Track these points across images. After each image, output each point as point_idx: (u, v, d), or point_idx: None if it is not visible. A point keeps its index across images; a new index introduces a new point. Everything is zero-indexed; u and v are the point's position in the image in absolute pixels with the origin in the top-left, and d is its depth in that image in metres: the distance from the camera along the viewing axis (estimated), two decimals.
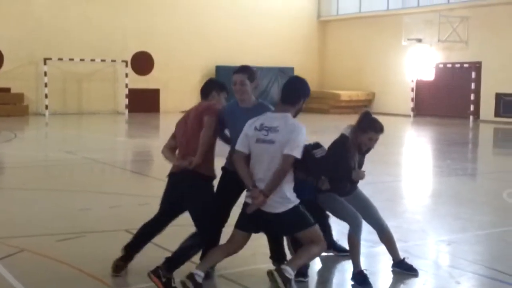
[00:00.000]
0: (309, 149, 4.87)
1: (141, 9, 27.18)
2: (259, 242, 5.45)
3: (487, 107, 25.01)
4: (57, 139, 17.76)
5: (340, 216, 5.31)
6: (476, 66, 25.24)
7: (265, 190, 4.59)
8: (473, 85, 25.23)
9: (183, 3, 28.05)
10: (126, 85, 26.58)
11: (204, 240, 5.01)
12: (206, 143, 5.01)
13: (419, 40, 26.36)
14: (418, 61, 27.21)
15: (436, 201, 9.23)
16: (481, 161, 15.17)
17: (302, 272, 5.12)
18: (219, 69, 28.46)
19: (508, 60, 24.08)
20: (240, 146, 4.78)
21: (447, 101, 26.24)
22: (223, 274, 5.32)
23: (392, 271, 5.46)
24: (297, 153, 4.60)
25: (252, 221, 4.77)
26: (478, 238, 6.92)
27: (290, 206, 4.67)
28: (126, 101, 26.61)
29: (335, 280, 5.56)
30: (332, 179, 5.17)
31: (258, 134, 4.68)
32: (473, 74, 25.20)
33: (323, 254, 5.64)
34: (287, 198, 4.66)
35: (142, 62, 26.98)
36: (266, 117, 4.74)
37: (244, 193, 4.90)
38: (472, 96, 25.26)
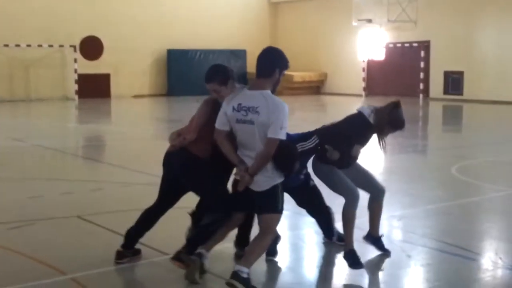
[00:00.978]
0: (295, 140, 4.80)
1: None
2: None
3: (436, 85, 25.51)
4: (4, 127, 17.33)
5: (337, 189, 5.20)
6: (425, 45, 25.65)
7: (250, 171, 4.48)
8: (422, 64, 25.66)
9: None
10: (75, 70, 26.05)
11: (219, 214, 4.82)
12: (200, 121, 4.85)
13: (369, 21, 26.62)
14: (369, 41, 27.49)
15: (387, 178, 9.38)
16: (431, 138, 15.50)
17: (270, 251, 5.12)
18: (170, 52, 28.18)
19: (456, 38, 24.56)
20: (219, 124, 4.61)
21: (398, 80, 26.63)
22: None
23: (363, 242, 5.43)
24: (282, 135, 4.43)
25: (240, 199, 4.71)
26: (427, 212, 7.08)
27: (273, 183, 4.55)
28: (76, 86, 26.09)
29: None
30: (340, 152, 5.08)
31: (237, 114, 4.50)
32: (422, 53, 25.62)
33: (324, 241, 5.68)
34: (271, 176, 4.55)
35: (91, 47, 26.44)
36: (244, 96, 4.54)
37: None
38: (422, 75, 25.71)
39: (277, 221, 4.65)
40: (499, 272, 5.07)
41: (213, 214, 4.83)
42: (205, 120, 4.83)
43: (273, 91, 4.57)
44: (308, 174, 5.42)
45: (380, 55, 27.24)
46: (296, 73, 28.79)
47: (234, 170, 4.71)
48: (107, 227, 6.26)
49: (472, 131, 16.66)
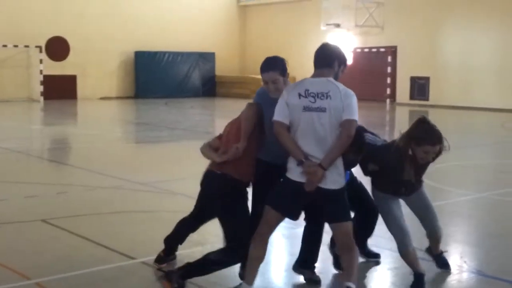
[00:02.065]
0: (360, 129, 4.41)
1: None
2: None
3: (403, 90, 25.81)
4: None
5: (386, 223, 4.83)
6: (392, 51, 25.95)
7: (323, 163, 4.02)
8: (389, 69, 25.95)
9: None
10: (41, 72, 25.67)
11: (233, 257, 4.44)
12: (248, 126, 4.35)
13: (337, 25, 26.81)
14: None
15: None
16: None
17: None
18: (138, 54, 27.98)
19: (422, 44, 24.90)
20: (280, 116, 4.12)
21: (365, 85, 26.84)
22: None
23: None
24: (357, 118, 4.11)
25: (296, 200, 4.19)
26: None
27: (343, 183, 4.18)
28: (41, 88, 25.71)
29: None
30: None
31: (304, 101, 4.08)
32: (389, 58, 25.90)
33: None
34: (341, 174, 4.16)
35: (57, 48, 26.08)
36: (309, 83, 4.20)
37: None
38: (389, 80, 25.99)
39: (351, 228, 4.22)
40: (464, 276, 5.13)
41: (226, 254, 4.43)
42: (252, 126, 4.39)
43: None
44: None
45: (348, 60, 27.44)
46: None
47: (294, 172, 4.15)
48: (72, 231, 6.16)
49: None
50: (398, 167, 4.58)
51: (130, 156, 12.29)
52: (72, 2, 26.63)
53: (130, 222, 6.69)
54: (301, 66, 29.51)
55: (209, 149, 4.59)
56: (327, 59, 4.34)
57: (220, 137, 4.66)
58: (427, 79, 24.93)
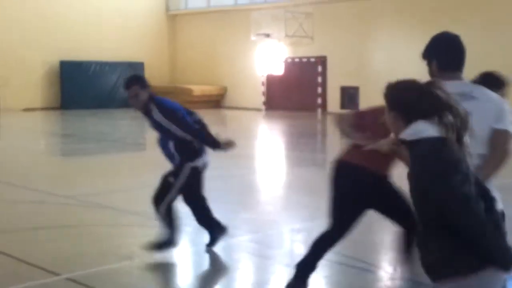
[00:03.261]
0: None
1: None
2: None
3: (333, 100, 26.18)
4: None
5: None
6: (322, 61, 26.31)
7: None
8: (319, 79, 26.28)
9: None
10: None
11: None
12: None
13: (268, 35, 26.96)
14: (268, 56, 27.85)
15: (287, 191, 9.42)
16: (329, 151, 15.79)
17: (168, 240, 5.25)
18: (63, 64, 27.23)
19: (351, 54, 25.36)
20: None
21: (297, 94, 27.10)
22: (70, 277, 5.00)
23: None
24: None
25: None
26: (327, 224, 7.11)
27: None
28: None
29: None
30: None
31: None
32: (319, 68, 26.24)
33: None
34: None
35: None
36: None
37: None
38: (319, 90, 26.31)
39: None
40: (396, 283, 5.14)
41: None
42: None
43: None
44: None
45: (279, 70, 27.65)
46: (196, 87, 28.68)
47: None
48: None
49: None
50: None
51: (55, 169, 11.86)
52: None
53: (55, 237, 6.39)
54: (232, 76, 29.61)
55: (352, 129, 4.07)
56: (463, 60, 3.43)
57: (360, 115, 4.26)
58: (356, 88, 25.39)
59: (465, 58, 3.46)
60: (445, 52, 3.45)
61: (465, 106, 2.60)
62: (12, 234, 6.46)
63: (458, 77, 3.40)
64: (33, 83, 26.65)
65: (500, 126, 3.16)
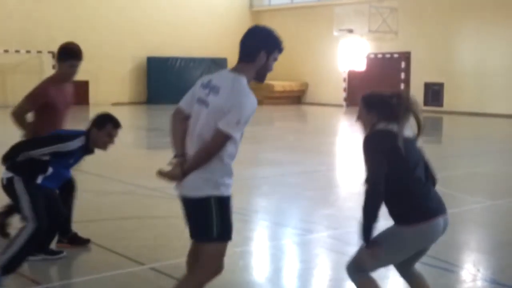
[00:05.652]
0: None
1: None
2: None
3: (417, 96, 25.41)
4: None
5: None
6: (406, 56, 25.83)
7: (185, 167, 3.51)
8: (403, 75, 25.82)
9: None
10: None
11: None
12: None
13: (350, 31, 26.73)
14: (350, 52, 27.61)
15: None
16: None
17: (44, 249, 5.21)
18: (150, 60, 28.04)
19: (436, 50, 24.76)
20: (183, 102, 3.73)
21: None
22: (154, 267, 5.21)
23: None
24: (234, 132, 3.44)
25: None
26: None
27: (210, 193, 3.49)
28: None
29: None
30: None
31: (201, 92, 3.61)
32: (403, 64, 25.78)
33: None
34: (211, 180, 3.49)
35: None
36: (219, 74, 3.69)
37: None
38: (402, 86, 25.86)
39: (222, 251, 3.59)
40: (478, 284, 5.04)
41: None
42: None
43: (259, 78, 3.72)
44: None
45: (361, 66, 27.35)
46: (277, 83, 28.81)
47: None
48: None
49: (452, 142, 16.74)
50: None
51: (142, 161, 12.28)
52: (85, 8, 26.76)
53: (141, 228, 6.65)
54: (314, 72, 29.56)
55: None
56: (248, 51, 3.63)
57: None
58: (441, 85, 24.77)
59: (250, 48, 3.68)
60: None
61: (210, 98, 3.54)
62: (102, 223, 6.78)
63: (239, 70, 3.67)
64: (121, 79, 27.62)
65: (220, 125, 3.46)
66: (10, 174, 4.85)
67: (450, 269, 5.35)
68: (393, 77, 26.19)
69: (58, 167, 4.94)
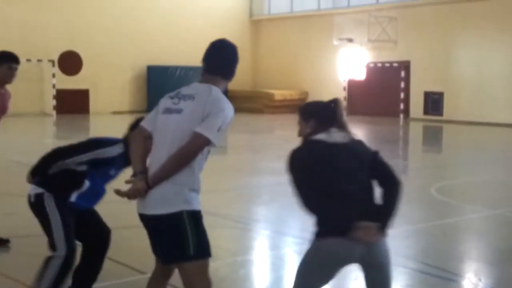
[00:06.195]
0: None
1: (67, 6, 26.46)
2: None
3: (416, 105, 25.68)
4: None
5: None
6: (405, 66, 25.87)
7: (151, 177, 3.27)
8: (402, 84, 25.85)
9: (111, 1, 27.53)
10: (54, 86, 25.81)
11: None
12: None
13: (350, 40, 26.80)
14: (350, 61, 27.65)
15: None
16: (411, 158, 15.53)
17: None
18: (150, 68, 28.10)
19: (435, 59, 24.81)
20: (145, 121, 3.57)
21: (378, 100, 26.78)
22: None
23: None
24: (214, 137, 3.28)
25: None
26: (407, 233, 7.04)
27: (183, 208, 3.24)
28: (54, 102, 25.84)
29: None
30: None
31: (168, 103, 3.51)
32: (403, 73, 25.82)
33: None
34: (182, 194, 3.25)
35: (70, 62, 26.19)
36: (189, 86, 3.62)
37: None
38: (402, 95, 25.89)
39: (204, 267, 3.35)
40: None
41: None
42: None
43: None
44: None
45: (361, 75, 27.39)
46: (277, 91, 28.85)
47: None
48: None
49: (451, 151, 16.75)
50: None
51: None
52: (85, 17, 26.83)
53: (140, 236, 6.62)
54: (314, 81, 29.59)
55: None
56: (227, 66, 3.65)
57: None
58: (441, 94, 24.81)
59: (227, 64, 3.69)
60: None
61: (182, 105, 3.51)
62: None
63: (213, 82, 3.65)
64: (121, 88, 27.66)
65: (198, 128, 3.34)
66: (40, 190, 4.22)
67: (451, 278, 5.35)
68: (392, 86, 26.23)
69: (95, 180, 4.32)
